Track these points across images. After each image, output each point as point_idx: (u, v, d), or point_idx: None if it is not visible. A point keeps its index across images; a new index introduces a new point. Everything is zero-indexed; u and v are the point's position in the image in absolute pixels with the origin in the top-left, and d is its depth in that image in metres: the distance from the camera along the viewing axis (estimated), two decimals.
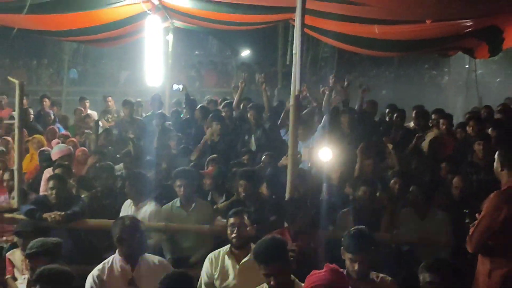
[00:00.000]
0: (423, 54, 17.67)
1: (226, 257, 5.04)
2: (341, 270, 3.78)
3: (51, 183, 6.36)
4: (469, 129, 8.45)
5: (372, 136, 8.83)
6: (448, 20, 10.30)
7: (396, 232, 6.17)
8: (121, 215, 6.20)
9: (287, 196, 5.85)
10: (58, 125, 11.25)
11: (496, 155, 4.94)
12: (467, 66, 16.04)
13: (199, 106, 10.74)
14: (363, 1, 8.64)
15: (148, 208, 6.42)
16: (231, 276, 4.97)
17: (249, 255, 4.85)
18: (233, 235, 5.02)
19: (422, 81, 19.43)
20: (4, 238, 6.72)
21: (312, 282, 3.54)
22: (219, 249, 5.16)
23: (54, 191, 6.27)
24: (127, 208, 6.49)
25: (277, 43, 17.75)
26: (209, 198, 7.14)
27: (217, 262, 5.06)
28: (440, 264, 4.00)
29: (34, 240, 4.56)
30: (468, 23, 10.68)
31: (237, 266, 4.95)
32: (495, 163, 4.96)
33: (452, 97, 16.29)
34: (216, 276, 5.01)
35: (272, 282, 4.16)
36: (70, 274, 3.87)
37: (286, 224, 5.65)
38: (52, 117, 11.76)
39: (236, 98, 10.41)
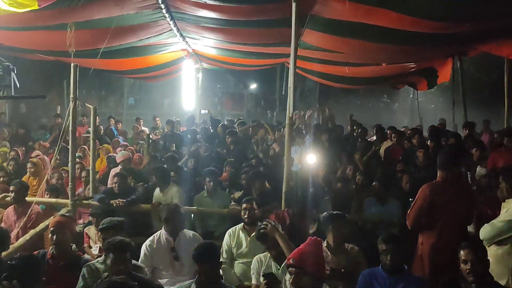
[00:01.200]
0: (380, 87, 17.67)
1: (240, 231, 5.03)
2: (319, 240, 3.75)
3: (115, 179, 6.37)
4: (414, 141, 8.40)
5: (345, 147, 8.83)
6: (398, 63, 10.31)
7: (362, 214, 6.15)
8: (153, 200, 6.26)
9: (284, 189, 5.80)
10: (119, 137, 11.25)
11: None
12: (411, 95, 15.97)
13: (221, 124, 10.72)
14: (338, 50, 8.63)
15: (171, 190, 6.36)
16: (244, 245, 4.95)
17: None
18: (245, 216, 5.02)
19: (379, 106, 19.37)
20: (81, 220, 6.70)
21: (299, 249, 3.54)
22: (235, 226, 5.15)
23: (117, 184, 6.29)
24: (157, 194, 6.42)
25: (276, 79, 17.73)
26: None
27: (234, 235, 5.04)
28: (392, 237, 3.96)
29: (104, 219, 4.55)
30: (412, 65, 10.70)
31: (249, 238, 4.93)
32: None
33: (400, 118, 16.21)
34: (233, 245, 4.99)
35: (273, 252, 4.20)
36: (130, 243, 3.87)
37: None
38: (115, 132, 11.81)
39: (247, 126, 10.41)
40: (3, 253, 4.06)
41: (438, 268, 4.43)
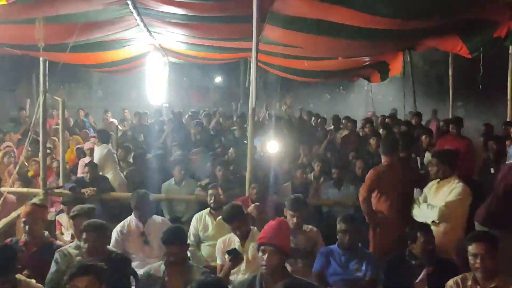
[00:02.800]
0: (336, 80, 17.90)
1: (207, 216, 5.09)
2: (285, 221, 3.83)
3: (86, 169, 6.30)
4: (366, 130, 8.61)
5: (304, 135, 8.97)
6: (353, 57, 10.46)
7: (320, 198, 6.30)
8: None
9: (247, 175, 5.87)
10: (90, 129, 11.08)
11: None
12: (365, 87, 16.25)
13: (188, 115, 10.69)
14: (297, 45, 8.70)
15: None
16: (210, 229, 5.02)
17: None
18: (211, 201, 5.08)
19: (336, 98, 19.60)
20: (53, 209, 6.60)
21: (265, 229, 3.63)
22: (202, 211, 5.20)
23: (88, 174, 6.23)
24: None
25: (240, 72, 17.73)
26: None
27: (201, 219, 5.10)
28: (350, 217, 4.09)
29: (75, 206, 4.52)
30: (366, 59, 10.85)
31: (215, 222, 5.00)
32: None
33: (356, 108, 16.45)
34: (200, 229, 5.05)
35: (238, 233, 4.27)
36: (108, 226, 3.91)
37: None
38: (87, 124, 11.64)
39: (213, 121, 10.38)
40: None
41: (387, 244, 4.62)
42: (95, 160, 6.92)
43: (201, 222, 5.08)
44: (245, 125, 8.69)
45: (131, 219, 4.85)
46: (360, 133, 8.88)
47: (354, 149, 7.84)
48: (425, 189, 4.74)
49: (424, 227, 3.84)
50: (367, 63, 11.35)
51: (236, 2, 6.03)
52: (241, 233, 4.30)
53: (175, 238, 3.74)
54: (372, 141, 7.52)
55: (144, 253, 4.71)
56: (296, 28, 7.38)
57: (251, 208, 5.04)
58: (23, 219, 4.14)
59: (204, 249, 5.00)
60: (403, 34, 7.54)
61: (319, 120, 10.07)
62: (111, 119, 12.61)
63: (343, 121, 9.43)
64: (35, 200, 5.31)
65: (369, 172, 4.96)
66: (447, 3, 5.65)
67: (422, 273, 3.65)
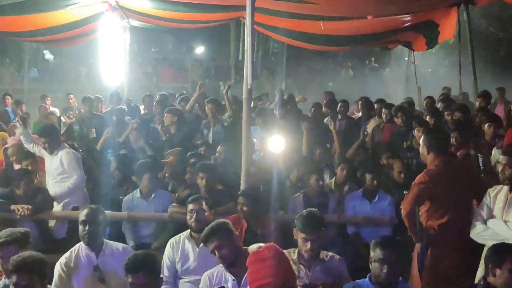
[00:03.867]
0: (365, 48, 17.89)
1: (187, 241, 5.10)
2: (278, 247, 3.86)
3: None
4: (398, 120, 8.56)
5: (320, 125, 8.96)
6: (388, 15, 10.47)
7: (343, 214, 6.32)
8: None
9: (242, 184, 5.90)
10: (17, 122, 11.08)
11: (421, 140, 5.17)
12: (406, 58, 16.26)
13: (156, 100, 10.68)
14: (310, 0, 8.73)
15: (61, 152, 6.59)
16: (191, 259, 5.03)
17: None
18: (192, 220, 5.10)
19: (365, 73, 19.59)
20: None
21: (252, 259, 3.64)
22: (179, 234, 5.21)
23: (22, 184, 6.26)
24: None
25: (230, 40, 17.76)
26: (169, 188, 7.20)
27: (178, 246, 5.11)
28: (391, 241, 4.09)
29: (2, 231, 4.52)
30: (407, 18, 10.89)
31: (197, 249, 5.01)
32: (420, 147, 5.21)
33: (393, 88, 16.44)
34: (177, 259, 5.06)
35: (222, 258, 4.31)
36: (43, 260, 3.88)
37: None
38: (11, 115, 11.65)
39: (193, 98, 10.26)
40: None
41: (442, 275, 4.64)
42: (54, 171, 6.89)
43: (179, 250, 5.10)
44: (239, 115, 8.71)
45: (80, 248, 4.82)
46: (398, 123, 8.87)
47: (389, 145, 7.84)
48: (486, 199, 4.75)
49: None
50: (408, 24, 11.38)
51: None
52: (224, 257, 4.30)
53: (144, 264, 3.78)
54: (418, 133, 7.51)
55: None
56: None
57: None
58: None
59: (183, 286, 5.02)
60: None
61: (339, 105, 9.97)
62: (51, 108, 12.67)
63: (376, 105, 9.42)
64: None
65: (417, 177, 4.99)
66: None
67: None
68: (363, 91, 13.02)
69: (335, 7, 9.41)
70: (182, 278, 5.04)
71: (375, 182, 6.35)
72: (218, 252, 4.30)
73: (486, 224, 4.65)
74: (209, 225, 4.42)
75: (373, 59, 20.90)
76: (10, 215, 5.88)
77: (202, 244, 4.83)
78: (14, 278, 3.77)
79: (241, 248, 4.45)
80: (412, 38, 12.53)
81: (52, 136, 6.74)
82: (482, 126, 7.51)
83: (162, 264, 4.96)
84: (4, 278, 4.18)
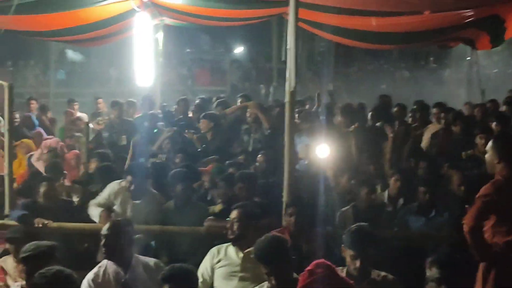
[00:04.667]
0: (422, 47, 17.77)
1: (230, 247, 5.24)
2: (329, 264, 3.92)
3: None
4: (456, 128, 8.50)
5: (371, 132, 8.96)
6: (447, 10, 10.41)
7: (397, 229, 6.31)
8: None
9: (284, 196, 5.97)
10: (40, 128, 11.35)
11: (490, 147, 5.13)
12: (468, 58, 16.13)
13: (195, 104, 10.83)
14: None
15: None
16: (235, 264, 5.17)
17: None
18: (231, 232, 5.22)
19: (422, 75, 19.48)
20: None
21: (303, 279, 3.67)
22: (222, 245, 5.35)
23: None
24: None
25: (271, 39, 17.87)
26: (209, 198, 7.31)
27: (219, 253, 5.26)
28: (449, 259, 4.10)
29: (27, 244, 4.66)
30: (469, 13, 10.79)
31: (241, 254, 5.16)
32: (488, 155, 5.18)
33: (453, 90, 16.30)
34: (219, 265, 5.20)
35: (273, 282, 4.32)
36: (72, 276, 3.97)
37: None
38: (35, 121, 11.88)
39: (234, 107, 10.36)
40: None
41: None
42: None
43: (221, 255, 5.25)
44: (282, 120, 8.80)
45: (108, 263, 4.96)
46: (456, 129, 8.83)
47: (448, 154, 7.80)
48: None
49: None
50: (470, 20, 11.30)
51: None
52: (278, 283, 4.33)
53: (183, 277, 3.92)
54: (480, 141, 7.46)
55: None
56: None
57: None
58: None
59: None
60: None
61: (395, 109, 9.96)
62: (79, 113, 12.90)
63: (434, 110, 9.39)
64: None
65: (481, 189, 4.98)
66: None
67: None
68: (420, 94, 12.96)
69: (386, 0, 9.42)
70: None
71: (427, 195, 6.34)
72: (274, 278, 4.33)
73: None
74: (265, 243, 4.46)
75: (431, 59, 20.76)
76: (34, 228, 6.02)
77: (247, 250, 5.01)
78: None
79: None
80: (475, 36, 12.44)
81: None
82: None
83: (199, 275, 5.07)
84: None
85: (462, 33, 12.47)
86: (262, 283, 4.52)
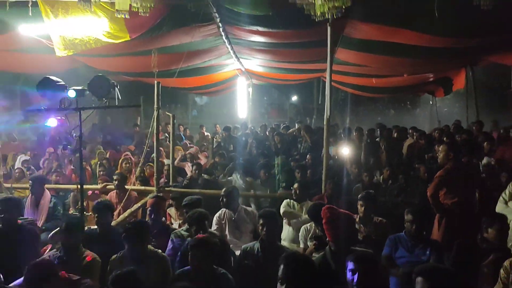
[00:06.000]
0: (403, 95, 17.53)
1: (294, 202, 5.35)
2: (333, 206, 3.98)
3: (195, 167, 6.98)
4: (421, 141, 8.42)
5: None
6: (418, 74, 10.39)
7: (388, 198, 6.34)
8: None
9: (323, 177, 6.04)
10: (187, 141, 11.77)
11: (443, 150, 5.16)
12: (430, 102, 15.81)
13: (270, 127, 11.07)
14: (366, 64, 8.85)
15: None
16: (296, 210, 5.28)
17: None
18: (296, 194, 5.35)
19: (402, 111, 19.14)
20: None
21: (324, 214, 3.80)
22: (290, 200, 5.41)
23: (196, 172, 6.88)
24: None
25: (313, 91, 17.91)
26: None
27: (290, 202, 5.35)
28: (417, 210, 4.12)
29: (185, 198, 4.94)
30: (430, 75, 10.74)
31: (298, 206, 5.29)
32: (441, 155, 5.19)
33: (422, 121, 15.94)
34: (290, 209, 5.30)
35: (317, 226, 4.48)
36: (208, 214, 4.28)
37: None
38: (183, 137, 12.36)
39: (291, 130, 10.65)
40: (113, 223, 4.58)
41: (452, 232, 4.67)
42: None
43: (292, 205, 5.36)
44: (321, 136, 8.95)
45: (226, 210, 5.15)
46: (422, 142, 8.72)
47: (418, 156, 7.77)
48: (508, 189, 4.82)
49: (503, 218, 3.86)
50: (431, 79, 11.19)
51: (312, 30, 6.36)
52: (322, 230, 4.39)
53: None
54: (437, 148, 7.39)
55: (235, 236, 4.98)
56: (365, 49, 7.59)
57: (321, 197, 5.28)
58: (149, 208, 4.66)
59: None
60: (464, 52, 7.47)
61: (384, 131, 9.93)
62: (206, 133, 13.28)
63: (409, 131, 9.35)
64: (151, 195, 5.91)
65: (437, 173, 5.03)
66: (505, 20, 5.61)
67: (491, 256, 3.65)
68: (400, 123, 12.79)
69: (383, 69, 9.48)
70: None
71: (403, 179, 6.35)
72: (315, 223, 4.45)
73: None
74: (313, 207, 4.51)
75: (408, 102, 20.35)
76: (187, 193, 6.37)
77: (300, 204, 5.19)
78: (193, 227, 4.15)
79: None
80: (434, 88, 12.29)
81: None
82: (482, 144, 7.34)
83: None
84: (186, 225, 4.48)
85: (426, 87, 12.37)
86: (311, 222, 4.64)
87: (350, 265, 2.96)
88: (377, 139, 9.05)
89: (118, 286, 2.87)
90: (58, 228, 4.04)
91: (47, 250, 4.32)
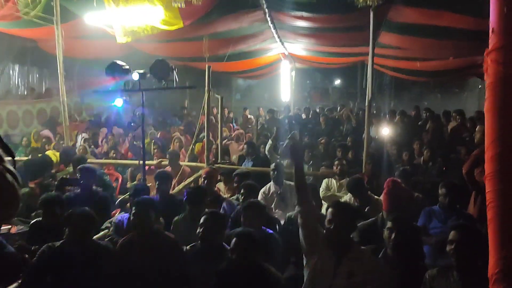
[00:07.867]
0: (449, 78, 17.17)
1: (333, 180, 5.77)
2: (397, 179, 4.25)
3: (245, 146, 7.39)
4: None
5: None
6: (464, 57, 10.29)
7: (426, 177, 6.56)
8: None
9: (364, 156, 6.30)
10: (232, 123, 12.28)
11: (479, 131, 5.39)
12: (480, 86, 15.52)
13: (313, 110, 11.35)
14: (409, 48, 8.95)
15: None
16: (335, 187, 5.70)
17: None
18: (338, 169, 5.74)
19: (449, 95, 18.75)
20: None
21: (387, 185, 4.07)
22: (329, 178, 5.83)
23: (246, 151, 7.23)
24: None
25: (357, 75, 17.89)
26: None
27: (329, 181, 5.78)
28: (449, 183, 4.40)
29: (230, 177, 5.46)
30: (479, 58, 10.57)
31: (338, 184, 5.69)
32: (478, 135, 5.46)
33: (469, 107, 15.61)
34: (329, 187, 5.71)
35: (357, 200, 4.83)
36: (256, 185, 4.74)
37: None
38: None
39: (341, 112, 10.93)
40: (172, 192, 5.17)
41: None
42: None
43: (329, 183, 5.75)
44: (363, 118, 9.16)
45: (271, 183, 5.47)
46: (469, 126, 8.78)
47: (460, 138, 7.89)
48: None
49: None
50: (479, 62, 11.00)
51: (355, 14, 6.61)
52: (360, 200, 4.75)
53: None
54: (479, 129, 7.50)
55: (280, 208, 5.28)
56: (408, 33, 7.73)
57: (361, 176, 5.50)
58: (204, 176, 5.20)
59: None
60: None
61: (428, 114, 10.04)
62: (249, 116, 13.75)
63: (453, 114, 9.41)
64: (203, 170, 6.41)
65: (474, 152, 5.09)
66: None
67: None
68: (448, 107, 12.70)
69: (425, 52, 9.49)
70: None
71: (442, 162, 6.51)
72: (355, 197, 4.79)
73: None
74: (352, 180, 4.88)
75: (455, 86, 19.83)
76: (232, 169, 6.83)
77: (341, 181, 5.56)
78: (242, 190, 4.63)
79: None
80: (483, 72, 12.06)
81: None
82: None
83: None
84: (237, 195, 5.03)
85: (474, 70, 12.12)
86: (347, 196, 5.00)
87: (388, 224, 3.33)
88: (420, 123, 9.18)
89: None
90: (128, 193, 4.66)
91: (116, 214, 4.98)
